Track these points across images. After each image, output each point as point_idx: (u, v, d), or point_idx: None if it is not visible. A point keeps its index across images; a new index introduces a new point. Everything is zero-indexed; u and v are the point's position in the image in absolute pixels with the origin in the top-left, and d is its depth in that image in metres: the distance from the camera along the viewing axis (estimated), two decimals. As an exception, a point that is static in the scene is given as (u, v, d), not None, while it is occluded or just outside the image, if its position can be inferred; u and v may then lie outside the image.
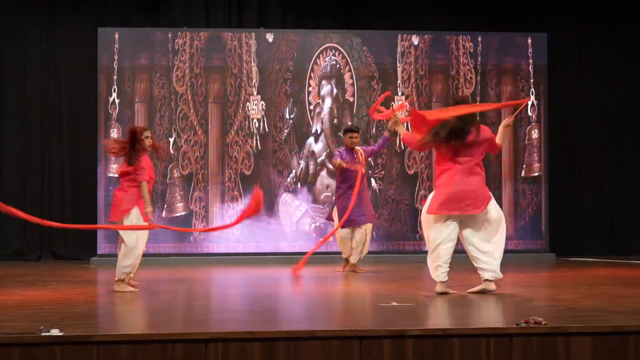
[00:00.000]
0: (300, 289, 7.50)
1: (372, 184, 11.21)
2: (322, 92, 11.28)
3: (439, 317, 5.64)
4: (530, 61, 11.52)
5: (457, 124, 6.49)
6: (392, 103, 10.74)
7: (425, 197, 11.15)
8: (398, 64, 11.34)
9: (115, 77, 10.95)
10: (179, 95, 11.06)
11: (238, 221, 6.85)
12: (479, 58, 11.43)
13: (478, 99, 11.23)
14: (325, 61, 11.28)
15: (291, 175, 11.17)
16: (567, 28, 11.97)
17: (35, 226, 11.12)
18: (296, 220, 11.14)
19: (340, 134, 10.43)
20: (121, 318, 5.78)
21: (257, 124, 11.13)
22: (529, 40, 11.52)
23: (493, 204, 6.70)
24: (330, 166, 10.68)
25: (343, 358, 4.52)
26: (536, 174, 11.48)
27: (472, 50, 11.44)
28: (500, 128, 6.91)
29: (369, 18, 11.71)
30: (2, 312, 5.69)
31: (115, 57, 10.95)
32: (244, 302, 6.62)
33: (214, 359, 4.45)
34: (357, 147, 8.99)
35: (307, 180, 11.20)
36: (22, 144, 11.25)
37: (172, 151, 10.99)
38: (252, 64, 11.15)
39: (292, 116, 11.20)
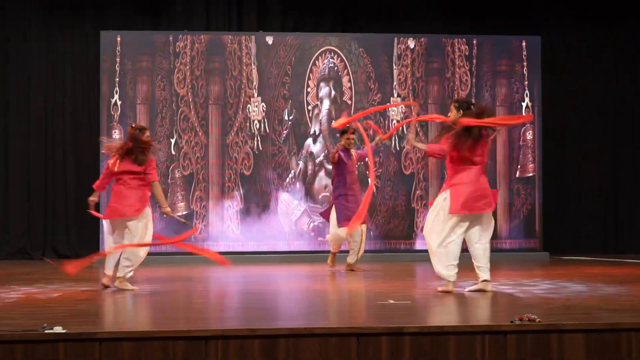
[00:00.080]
0: (298, 286, 7.56)
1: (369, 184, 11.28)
2: (321, 94, 11.37)
3: (435, 315, 5.66)
4: (525, 64, 11.60)
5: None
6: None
7: (422, 197, 11.29)
8: (395, 67, 11.44)
9: (118, 79, 11.02)
10: (180, 97, 11.14)
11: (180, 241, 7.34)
12: (474, 61, 11.52)
13: (473, 100, 11.27)
14: (324, 64, 11.37)
15: (290, 175, 11.27)
16: (564, 29, 12.02)
17: (39, 225, 11.26)
18: (295, 219, 11.25)
19: (338, 134, 10.51)
20: (123, 316, 5.77)
21: (257, 125, 11.24)
22: (523, 43, 11.60)
23: None
24: (329, 167, 10.75)
25: (341, 355, 4.52)
26: (530, 174, 11.56)
27: (467, 53, 11.52)
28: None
29: (366, 21, 11.76)
30: (5, 310, 5.69)
31: (118, 59, 11.02)
32: (243, 300, 6.63)
33: (215, 356, 4.46)
34: (352, 150, 9.13)
35: (306, 181, 11.29)
36: (26, 144, 11.32)
37: (173, 152, 11.08)
38: (252, 66, 11.23)
39: (291, 117, 11.29)
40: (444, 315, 5.58)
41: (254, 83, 11.21)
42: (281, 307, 6.22)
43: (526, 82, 11.58)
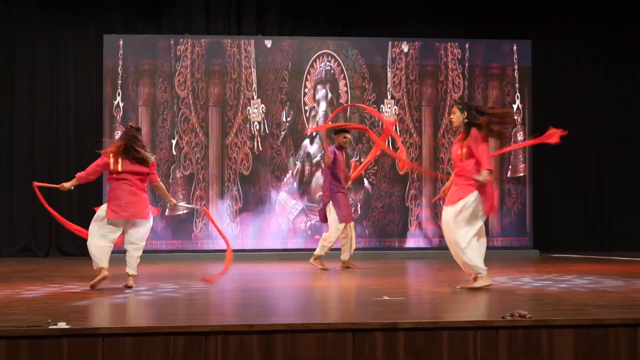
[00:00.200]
0: (295, 283, 7.62)
1: (365, 184, 11.43)
2: (317, 96, 11.50)
3: (428, 311, 5.68)
4: (516, 67, 11.74)
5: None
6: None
7: (416, 196, 11.40)
8: (389, 69, 11.58)
9: (120, 81, 11.14)
10: (180, 99, 11.25)
11: None
12: (467, 64, 11.66)
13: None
14: (320, 66, 11.49)
15: (287, 175, 11.39)
16: (553, 33, 12.13)
17: (44, 224, 11.33)
18: (292, 218, 11.38)
19: (333, 135, 10.61)
20: (125, 312, 5.79)
21: (257, 127, 11.36)
22: (514, 47, 11.74)
23: None
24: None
25: (337, 350, 4.59)
26: (521, 174, 11.70)
27: (460, 57, 11.66)
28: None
29: (362, 25, 11.87)
30: (11, 306, 5.73)
31: (120, 62, 11.15)
32: (242, 297, 6.65)
33: (214, 351, 4.52)
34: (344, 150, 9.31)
35: (303, 180, 11.42)
36: (31, 144, 11.43)
37: (174, 152, 11.21)
38: (252, 69, 11.36)
39: (288, 119, 11.42)
40: (437, 312, 5.61)
41: (253, 85, 11.34)
42: (278, 303, 6.24)
43: (517, 85, 11.72)
